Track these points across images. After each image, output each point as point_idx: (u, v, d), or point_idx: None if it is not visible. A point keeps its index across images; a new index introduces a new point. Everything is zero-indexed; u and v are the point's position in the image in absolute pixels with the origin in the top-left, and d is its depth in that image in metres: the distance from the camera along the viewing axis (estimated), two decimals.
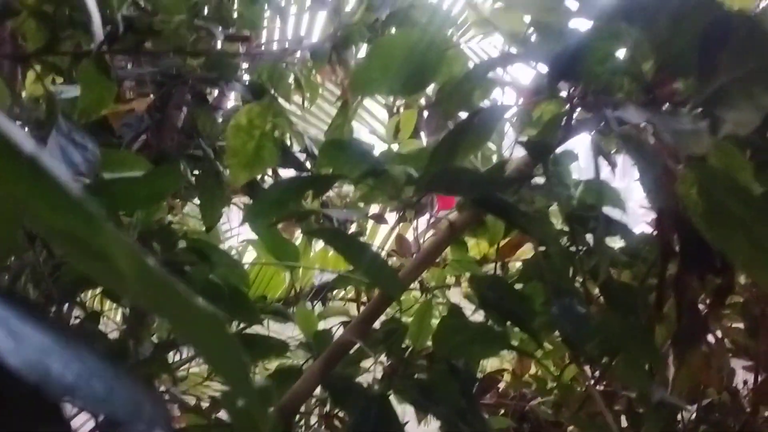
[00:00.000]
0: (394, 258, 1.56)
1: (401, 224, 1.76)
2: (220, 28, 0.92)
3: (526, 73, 0.84)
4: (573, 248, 1.07)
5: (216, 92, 1.38)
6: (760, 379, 1.28)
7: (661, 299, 0.75)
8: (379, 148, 1.13)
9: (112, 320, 1.68)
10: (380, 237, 1.78)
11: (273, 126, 0.76)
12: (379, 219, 1.61)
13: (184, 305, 0.25)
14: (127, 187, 0.75)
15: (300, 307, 0.91)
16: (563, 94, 0.77)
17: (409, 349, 0.80)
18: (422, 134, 1.49)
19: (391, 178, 0.75)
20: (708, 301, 0.81)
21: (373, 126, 1.66)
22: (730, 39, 0.45)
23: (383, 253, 1.75)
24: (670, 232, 0.74)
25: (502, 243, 0.94)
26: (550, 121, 0.86)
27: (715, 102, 0.48)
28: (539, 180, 0.98)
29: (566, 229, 1.05)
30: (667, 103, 0.57)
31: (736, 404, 1.26)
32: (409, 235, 1.76)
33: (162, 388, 1.50)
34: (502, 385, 1.47)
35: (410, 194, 0.75)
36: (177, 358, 1.79)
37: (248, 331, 0.97)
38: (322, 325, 1.08)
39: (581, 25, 0.67)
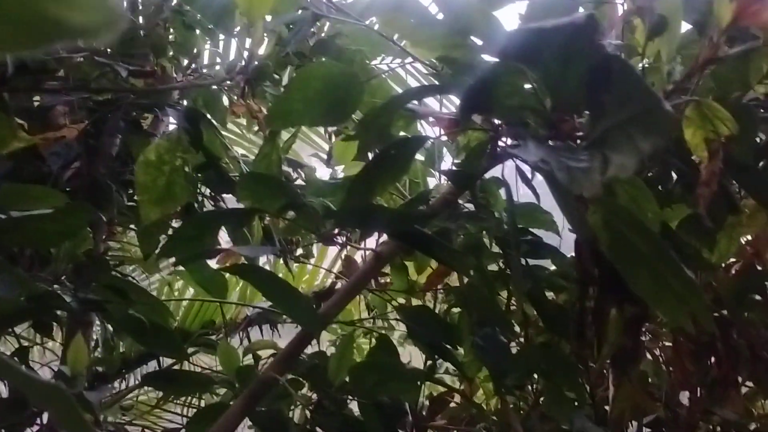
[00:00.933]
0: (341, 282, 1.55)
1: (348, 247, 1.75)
2: (132, 62, 0.90)
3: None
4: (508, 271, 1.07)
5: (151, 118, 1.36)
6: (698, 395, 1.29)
7: (581, 326, 0.75)
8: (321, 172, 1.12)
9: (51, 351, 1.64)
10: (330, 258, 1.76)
11: (183, 161, 0.74)
12: (328, 241, 1.59)
13: (26, 381, 0.29)
14: (36, 224, 0.73)
15: (222, 343, 0.89)
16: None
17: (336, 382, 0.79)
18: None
19: (312, 212, 0.74)
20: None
21: (317, 149, 1.65)
22: (612, 82, 0.45)
23: (331, 276, 1.74)
24: (589, 261, 0.75)
25: (432, 271, 0.93)
26: (474, 149, 0.86)
27: (604, 142, 0.48)
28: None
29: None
30: (569, 139, 0.58)
31: (677, 422, 1.27)
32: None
33: (108, 419, 1.46)
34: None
35: (330, 228, 0.74)
36: (123, 386, 1.75)
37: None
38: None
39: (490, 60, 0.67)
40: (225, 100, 1.26)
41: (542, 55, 0.48)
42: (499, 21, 0.59)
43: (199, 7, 0.81)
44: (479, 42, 0.62)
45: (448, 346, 0.81)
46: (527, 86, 0.64)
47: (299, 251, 1.76)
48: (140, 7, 1.07)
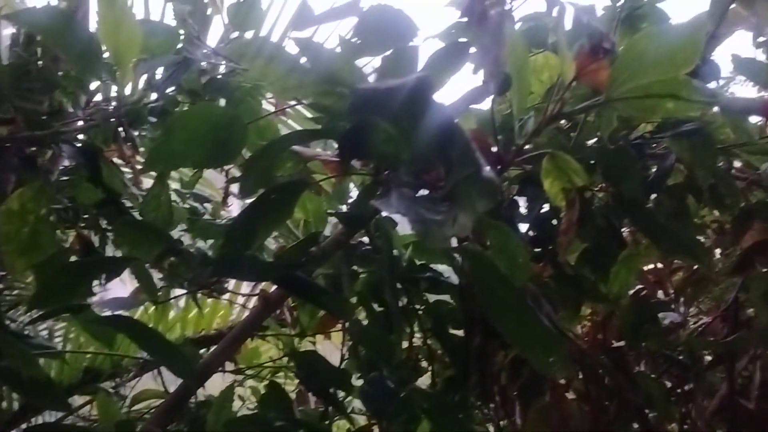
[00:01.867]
0: None
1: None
2: None
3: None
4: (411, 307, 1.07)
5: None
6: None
7: (467, 367, 0.76)
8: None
9: None
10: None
11: (48, 211, 0.72)
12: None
13: None
14: None
15: (100, 395, 0.85)
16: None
17: None
18: None
19: (189, 259, 0.72)
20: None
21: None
22: (455, 142, 0.46)
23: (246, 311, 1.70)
24: (472, 303, 0.75)
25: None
26: (364, 191, 0.86)
27: (454, 197, 0.48)
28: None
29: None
30: (433, 188, 0.58)
31: None
32: None
33: None
34: None
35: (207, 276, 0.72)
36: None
37: None
38: None
39: None
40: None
41: (389, 111, 0.49)
42: (362, 71, 0.59)
43: (63, 47, 0.78)
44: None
45: (340, 392, 0.80)
46: None
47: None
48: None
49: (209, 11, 1.27)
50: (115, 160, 1.10)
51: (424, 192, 0.62)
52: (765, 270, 1.16)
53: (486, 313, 0.67)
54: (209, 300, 1.65)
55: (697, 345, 1.21)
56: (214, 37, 1.30)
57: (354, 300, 0.84)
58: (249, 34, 1.09)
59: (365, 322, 0.89)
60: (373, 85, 0.47)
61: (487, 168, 0.43)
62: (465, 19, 0.66)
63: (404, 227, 1.06)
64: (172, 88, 0.85)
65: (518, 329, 0.58)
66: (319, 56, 0.61)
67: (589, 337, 1.14)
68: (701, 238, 1.40)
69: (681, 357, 1.24)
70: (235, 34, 1.09)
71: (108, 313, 0.75)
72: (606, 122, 0.72)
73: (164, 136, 0.77)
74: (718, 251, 1.58)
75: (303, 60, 0.61)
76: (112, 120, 0.80)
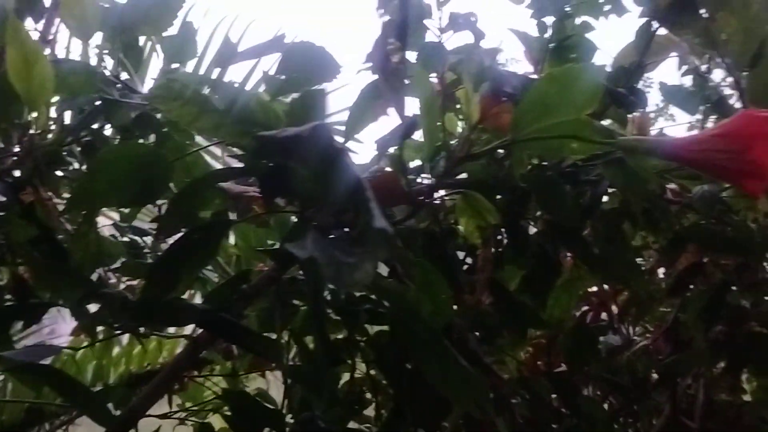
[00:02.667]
0: None
1: None
2: None
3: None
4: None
5: None
6: None
7: (397, 403, 0.75)
8: None
9: None
10: None
11: None
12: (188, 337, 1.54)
13: None
14: None
15: None
16: None
17: None
18: None
19: (110, 303, 0.70)
20: None
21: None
22: (356, 191, 0.46)
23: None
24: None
25: None
26: (291, 230, 0.85)
27: (363, 239, 0.48)
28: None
29: None
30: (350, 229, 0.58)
31: None
32: None
33: None
34: None
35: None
36: None
37: None
38: None
39: None
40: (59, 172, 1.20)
41: (295, 157, 0.48)
42: (276, 113, 0.59)
43: None
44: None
45: None
46: None
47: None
48: None
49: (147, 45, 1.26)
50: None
51: (344, 231, 0.62)
52: (700, 290, 1.18)
53: (409, 353, 0.67)
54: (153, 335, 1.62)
55: (638, 366, 1.22)
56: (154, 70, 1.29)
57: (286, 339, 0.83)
58: (186, 66, 1.09)
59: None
60: (272, 133, 0.47)
61: (380, 219, 0.42)
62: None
63: None
64: (99, 124, 0.83)
65: (439, 370, 0.58)
66: (233, 97, 0.61)
67: (530, 362, 1.14)
68: (642, 261, 1.43)
69: (625, 378, 1.26)
70: (174, 66, 1.08)
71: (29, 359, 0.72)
72: (517, 161, 0.73)
73: (87, 176, 0.75)
74: (661, 271, 1.62)
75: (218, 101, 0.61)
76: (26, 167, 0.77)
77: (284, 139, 0.45)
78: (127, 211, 1.24)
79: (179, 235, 0.71)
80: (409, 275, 0.66)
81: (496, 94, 0.58)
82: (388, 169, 0.65)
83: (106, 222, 1.42)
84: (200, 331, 0.80)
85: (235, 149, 0.81)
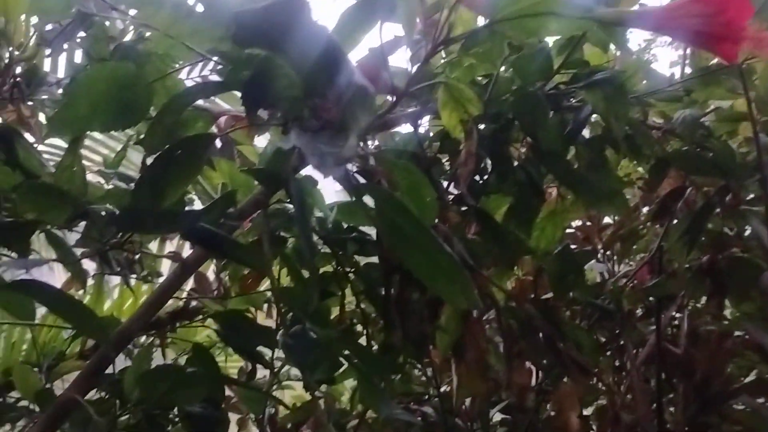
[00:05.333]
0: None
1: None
2: None
3: None
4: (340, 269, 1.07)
5: None
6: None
7: (386, 315, 0.76)
8: None
9: None
10: None
11: None
12: (176, 257, 1.54)
13: None
14: None
15: (18, 366, 0.83)
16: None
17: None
18: None
19: (96, 219, 0.71)
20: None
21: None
22: (337, 64, 0.46)
23: (184, 294, 1.68)
24: (390, 252, 0.76)
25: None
26: (279, 149, 0.85)
27: (344, 124, 0.48)
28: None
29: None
30: (331, 127, 0.58)
31: (522, 404, 1.32)
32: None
33: None
34: None
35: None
36: None
37: None
38: None
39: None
40: (41, 116, 1.19)
41: (271, 38, 0.48)
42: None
43: None
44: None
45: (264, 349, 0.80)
46: None
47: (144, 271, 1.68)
48: None
49: None
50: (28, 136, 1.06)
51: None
52: (682, 216, 1.20)
53: (396, 253, 0.68)
54: (145, 287, 1.62)
55: (621, 293, 1.25)
56: None
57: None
58: None
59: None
60: (249, 8, 0.46)
61: (361, 80, 0.43)
62: None
63: (327, 192, 1.06)
64: (76, 52, 0.82)
65: (425, 262, 0.58)
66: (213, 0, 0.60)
67: (517, 290, 1.16)
68: (627, 195, 1.44)
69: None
70: None
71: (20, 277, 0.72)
72: (498, 49, 0.73)
73: (67, 100, 0.75)
74: (645, 209, 1.64)
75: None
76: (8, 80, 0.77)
77: (264, 11, 0.45)
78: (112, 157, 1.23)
79: None
80: (392, 182, 0.67)
81: None
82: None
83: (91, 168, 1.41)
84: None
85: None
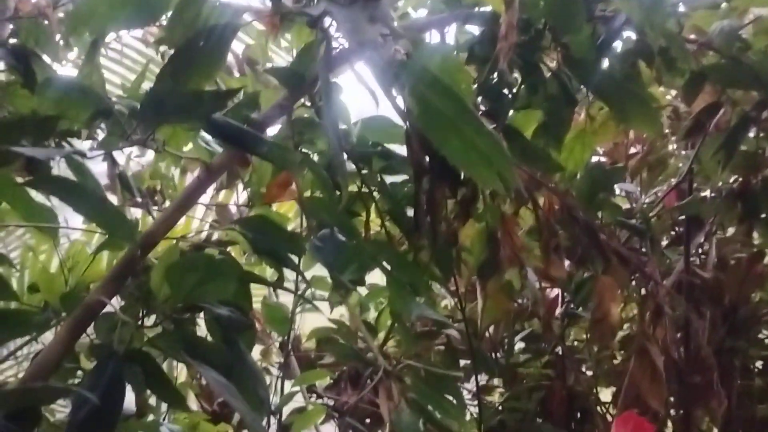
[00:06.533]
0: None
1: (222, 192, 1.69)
2: None
3: None
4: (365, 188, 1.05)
5: None
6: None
7: (418, 217, 0.74)
8: None
9: None
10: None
11: None
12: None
13: None
14: None
15: (38, 269, 0.82)
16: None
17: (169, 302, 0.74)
18: None
19: (119, 116, 0.69)
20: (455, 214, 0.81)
21: None
22: None
23: (206, 225, 1.67)
24: (419, 149, 0.73)
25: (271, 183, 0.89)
26: (304, 49, 0.82)
27: None
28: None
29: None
30: None
31: (548, 332, 1.31)
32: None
33: None
34: None
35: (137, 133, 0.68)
36: None
37: None
38: None
39: None
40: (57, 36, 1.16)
41: None
42: None
43: None
44: None
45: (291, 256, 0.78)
46: None
47: (166, 202, 1.67)
48: None
49: None
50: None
51: None
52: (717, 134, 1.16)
53: (428, 137, 0.64)
54: None
55: (650, 213, 1.22)
56: None
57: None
58: None
59: None
60: None
61: None
62: None
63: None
64: None
65: (462, 146, 0.56)
66: None
67: (547, 208, 1.13)
68: None
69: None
70: None
71: None
72: None
73: None
74: (673, 139, 1.60)
75: None
76: None
77: None
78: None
79: None
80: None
81: None
82: None
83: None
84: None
85: None
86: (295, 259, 0.78)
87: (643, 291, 1.44)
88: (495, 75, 1.01)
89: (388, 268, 0.73)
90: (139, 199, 1.47)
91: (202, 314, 0.79)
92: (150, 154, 1.53)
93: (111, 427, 0.63)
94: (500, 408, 1.33)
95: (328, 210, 0.79)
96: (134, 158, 1.48)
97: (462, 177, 0.75)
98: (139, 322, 0.74)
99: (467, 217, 0.78)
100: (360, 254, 0.71)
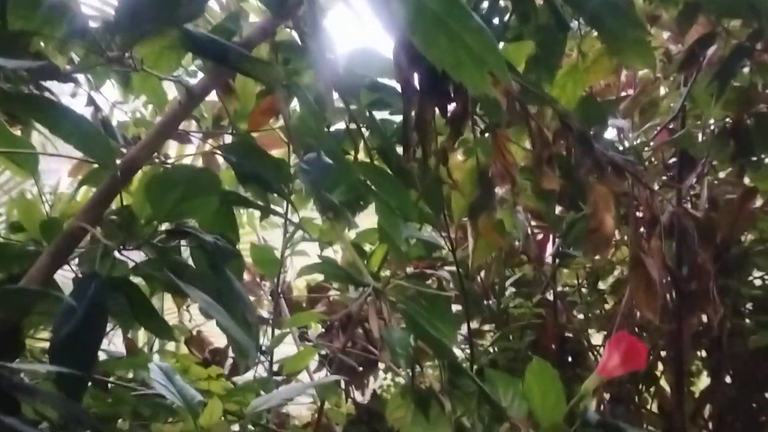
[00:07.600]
0: None
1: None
2: None
3: None
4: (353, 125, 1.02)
5: None
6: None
7: (406, 134, 0.72)
8: None
9: None
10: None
11: None
12: (183, 139, 1.50)
13: None
14: None
15: (18, 199, 0.80)
16: None
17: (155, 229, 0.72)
18: None
19: (95, 34, 0.66)
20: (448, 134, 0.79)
21: None
22: None
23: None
24: (406, 66, 0.71)
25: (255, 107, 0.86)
26: None
27: None
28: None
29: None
30: None
31: (539, 268, 1.31)
32: None
33: None
34: None
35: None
36: None
37: None
38: None
39: None
40: None
41: None
42: None
43: None
44: None
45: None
46: None
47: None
48: None
49: None
50: None
51: None
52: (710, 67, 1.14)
53: (415, 42, 0.62)
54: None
55: (643, 149, 1.21)
56: None
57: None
58: None
59: None
60: None
61: None
62: None
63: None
64: None
65: (451, 48, 0.54)
66: None
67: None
68: None
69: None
70: None
71: None
72: None
73: None
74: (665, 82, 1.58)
75: None
76: None
77: None
78: None
79: None
80: None
81: None
82: None
83: None
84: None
85: None
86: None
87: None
88: (486, 3, 0.99)
89: (376, 190, 0.71)
90: (125, 148, 1.44)
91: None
92: (134, 104, 1.50)
93: (94, 347, 0.61)
94: (492, 350, 1.33)
95: (315, 134, 0.76)
96: (117, 106, 1.44)
97: (451, 93, 0.73)
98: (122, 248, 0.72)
99: (457, 135, 0.76)
100: (348, 175, 0.69)
